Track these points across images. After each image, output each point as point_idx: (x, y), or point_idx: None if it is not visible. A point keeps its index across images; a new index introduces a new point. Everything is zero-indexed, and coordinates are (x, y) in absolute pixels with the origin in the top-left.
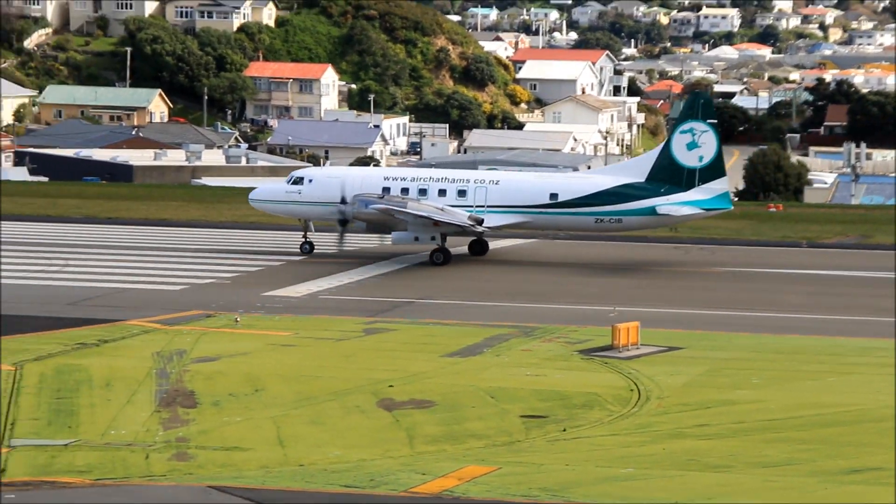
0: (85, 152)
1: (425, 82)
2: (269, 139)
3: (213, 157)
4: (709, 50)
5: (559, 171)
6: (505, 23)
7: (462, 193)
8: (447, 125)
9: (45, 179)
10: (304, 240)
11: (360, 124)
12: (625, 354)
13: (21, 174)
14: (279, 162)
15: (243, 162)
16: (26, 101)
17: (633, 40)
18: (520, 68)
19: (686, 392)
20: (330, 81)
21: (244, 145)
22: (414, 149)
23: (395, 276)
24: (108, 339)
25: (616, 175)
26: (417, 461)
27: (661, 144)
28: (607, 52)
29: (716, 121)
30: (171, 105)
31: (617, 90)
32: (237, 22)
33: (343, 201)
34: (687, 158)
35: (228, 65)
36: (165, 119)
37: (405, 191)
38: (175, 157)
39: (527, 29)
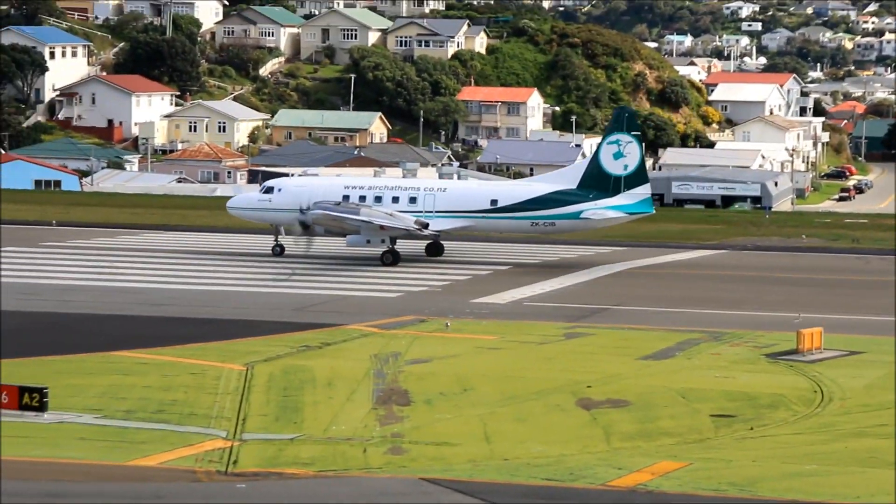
0: (312, 171)
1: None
2: (478, 158)
3: (427, 175)
4: (891, 73)
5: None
6: (699, 49)
7: (413, 200)
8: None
9: None
10: (274, 243)
11: (563, 143)
12: (809, 358)
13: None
14: (489, 179)
15: (455, 179)
16: (260, 123)
17: (818, 64)
18: (712, 91)
19: (867, 393)
20: (535, 104)
21: (456, 163)
22: None
23: (592, 284)
24: (330, 342)
25: (550, 182)
26: (614, 456)
27: (590, 155)
28: (794, 75)
29: (639, 133)
30: (390, 126)
31: (803, 111)
32: (451, 50)
33: (302, 209)
34: (613, 167)
35: (443, 89)
36: (385, 140)
37: (363, 198)
38: (393, 175)
39: (719, 54)
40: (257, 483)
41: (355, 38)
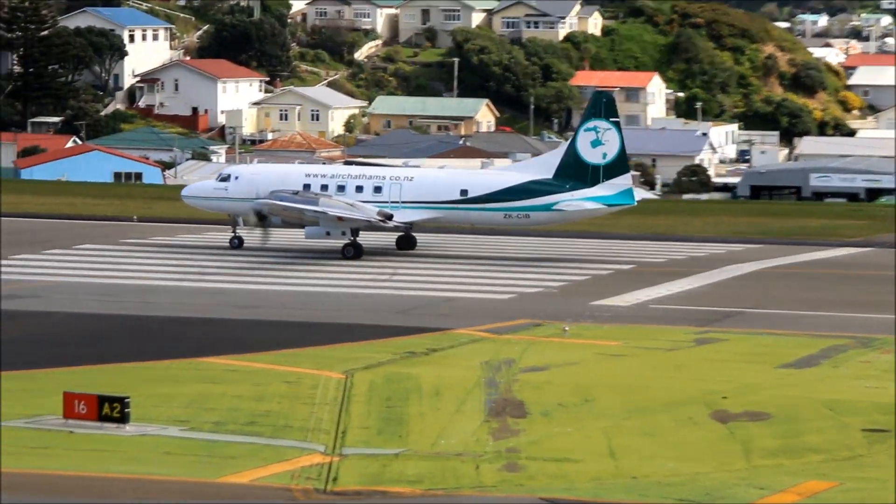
0: (413, 162)
1: (753, 90)
2: None
3: None
4: None
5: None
6: (834, 29)
7: (378, 190)
8: (777, 133)
9: None
10: (232, 234)
11: (688, 132)
12: None
13: None
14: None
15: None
16: (356, 111)
17: None
18: (851, 74)
19: None
20: (656, 89)
21: None
22: (743, 157)
23: (725, 285)
24: (436, 347)
25: (524, 172)
26: (754, 475)
27: (567, 142)
28: None
29: (618, 119)
30: (498, 114)
31: None
32: (563, 31)
33: (261, 198)
34: (591, 156)
35: (555, 74)
36: (492, 128)
37: (324, 187)
38: (502, 167)
39: (857, 35)
40: (359, 502)
41: (458, 19)
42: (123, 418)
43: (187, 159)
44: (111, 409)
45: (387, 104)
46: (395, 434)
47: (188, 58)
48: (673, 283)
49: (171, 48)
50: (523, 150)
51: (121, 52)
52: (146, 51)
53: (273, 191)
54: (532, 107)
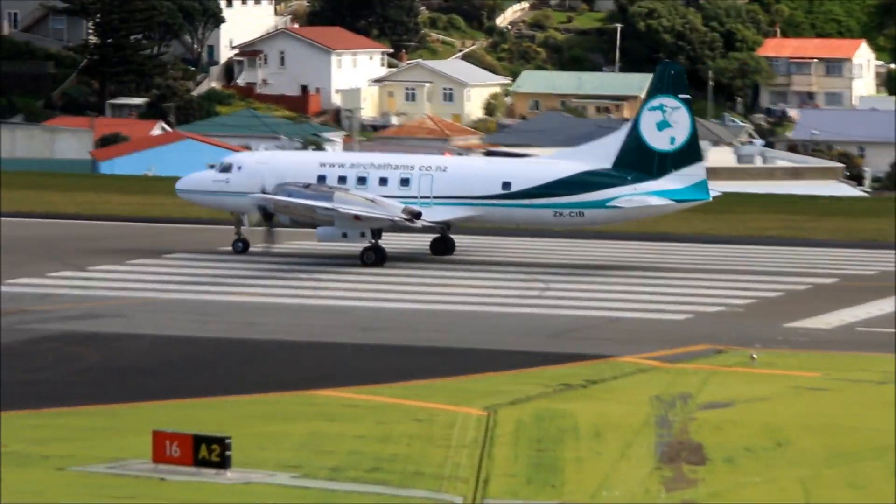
0: (567, 150)
1: None
2: (789, 133)
3: (720, 157)
4: None
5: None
6: None
7: (405, 182)
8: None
9: None
10: (236, 237)
11: None
12: None
13: None
14: (803, 162)
15: (758, 162)
16: (498, 90)
17: None
18: None
19: None
20: (864, 61)
21: (759, 141)
22: None
23: None
24: (596, 378)
25: (578, 161)
26: None
27: (629, 124)
28: None
29: (689, 96)
30: None
31: None
32: None
33: (264, 192)
34: (657, 140)
35: (738, 43)
36: None
37: (342, 179)
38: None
39: None
40: None
41: None
42: (223, 462)
43: (296, 149)
44: (209, 452)
45: (535, 81)
46: (547, 483)
47: (296, 25)
48: (884, 301)
49: (277, 14)
50: (700, 135)
51: (216, 19)
52: (246, 17)
53: (280, 183)
54: (711, 83)
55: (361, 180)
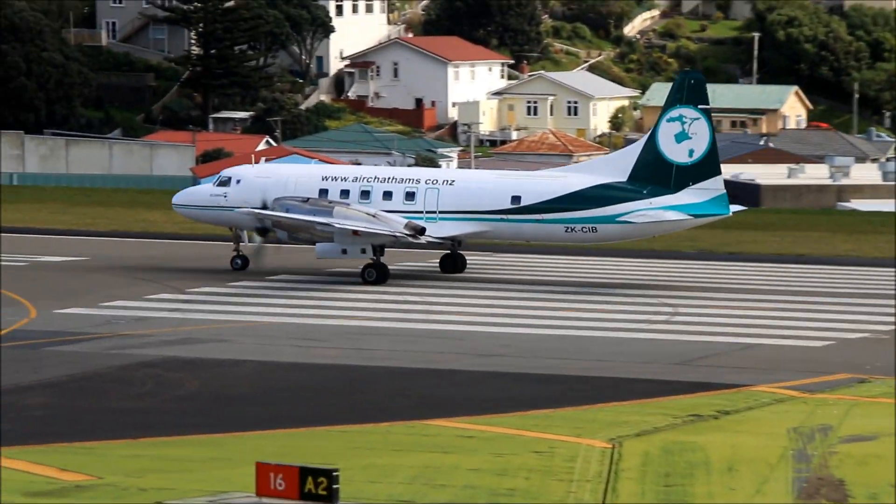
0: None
1: None
2: None
3: (865, 174)
4: None
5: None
6: None
7: (410, 197)
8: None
9: None
10: (235, 253)
11: None
12: None
13: None
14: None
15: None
16: (625, 103)
17: None
18: None
19: None
20: None
21: None
22: None
23: None
24: (729, 409)
25: (591, 174)
26: None
27: (645, 136)
28: None
29: (709, 106)
30: (811, 107)
31: None
32: None
33: (263, 206)
34: (675, 153)
35: (886, 52)
36: (803, 125)
37: (345, 193)
38: (815, 174)
39: None
40: None
41: None
42: (331, 496)
43: (409, 165)
44: (315, 485)
45: (665, 94)
46: None
47: (411, 35)
48: None
49: (390, 22)
50: (844, 152)
51: (326, 28)
52: (358, 26)
53: (277, 198)
54: (856, 96)
55: (365, 194)
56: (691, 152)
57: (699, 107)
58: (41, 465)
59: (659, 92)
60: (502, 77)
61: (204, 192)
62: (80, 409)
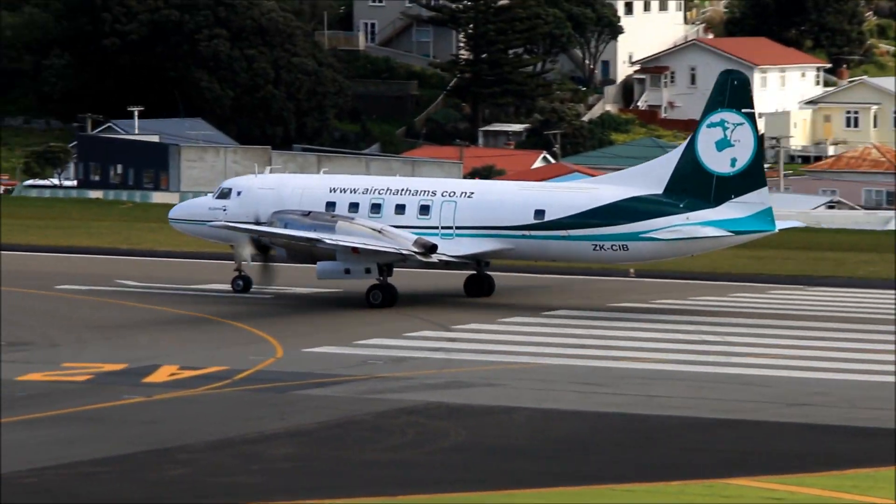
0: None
1: None
2: None
3: None
4: None
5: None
6: None
7: (425, 210)
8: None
9: None
10: (236, 273)
11: None
12: None
13: None
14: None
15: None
16: None
17: None
18: None
19: None
20: None
21: None
22: None
23: None
24: None
25: (624, 185)
26: None
27: (683, 144)
28: None
29: (753, 110)
30: None
31: None
32: None
33: (257, 222)
34: (716, 162)
35: None
36: None
37: (354, 206)
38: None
39: None
40: None
41: None
42: None
43: None
44: None
45: None
46: None
47: (710, 36)
48: None
49: (686, 22)
50: None
51: (613, 29)
52: (649, 26)
53: (276, 211)
54: None
55: (376, 207)
56: (734, 161)
57: (743, 111)
58: None
59: None
60: (817, 83)
61: (202, 204)
62: (331, 461)
